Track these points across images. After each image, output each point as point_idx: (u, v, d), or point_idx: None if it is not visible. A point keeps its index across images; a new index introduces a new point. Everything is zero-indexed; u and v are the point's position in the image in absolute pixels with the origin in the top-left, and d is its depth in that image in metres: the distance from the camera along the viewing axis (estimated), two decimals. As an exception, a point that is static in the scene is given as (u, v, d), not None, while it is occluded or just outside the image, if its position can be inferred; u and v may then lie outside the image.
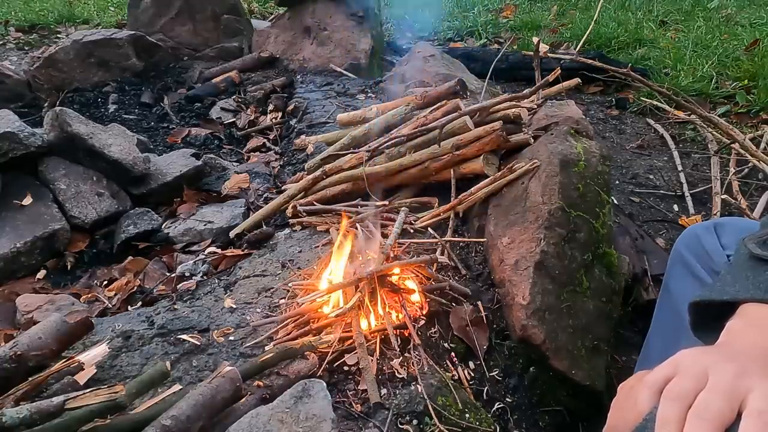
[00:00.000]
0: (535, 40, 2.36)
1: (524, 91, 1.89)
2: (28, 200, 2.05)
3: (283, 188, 2.24)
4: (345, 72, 3.42)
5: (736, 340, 0.62)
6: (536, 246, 1.44)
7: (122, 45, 3.42)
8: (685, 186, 2.50)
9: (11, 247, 1.93)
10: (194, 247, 2.03)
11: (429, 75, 2.78)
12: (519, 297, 1.40)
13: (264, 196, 2.29)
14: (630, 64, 3.22)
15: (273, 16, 5.06)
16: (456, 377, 1.34)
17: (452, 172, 1.79)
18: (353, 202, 1.87)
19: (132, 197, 2.26)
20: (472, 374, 1.38)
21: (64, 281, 1.98)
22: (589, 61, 2.91)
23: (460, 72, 2.91)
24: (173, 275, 1.80)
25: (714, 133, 2.84)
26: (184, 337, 1.34)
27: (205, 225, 2.10)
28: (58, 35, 4.74)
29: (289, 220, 1.94)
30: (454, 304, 1.48)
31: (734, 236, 1.04)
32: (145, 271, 1.93)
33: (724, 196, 2.22)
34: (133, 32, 3.55)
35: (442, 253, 1.61)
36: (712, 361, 0.54)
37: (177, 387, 1.17)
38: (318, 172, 1.99)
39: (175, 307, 1.52)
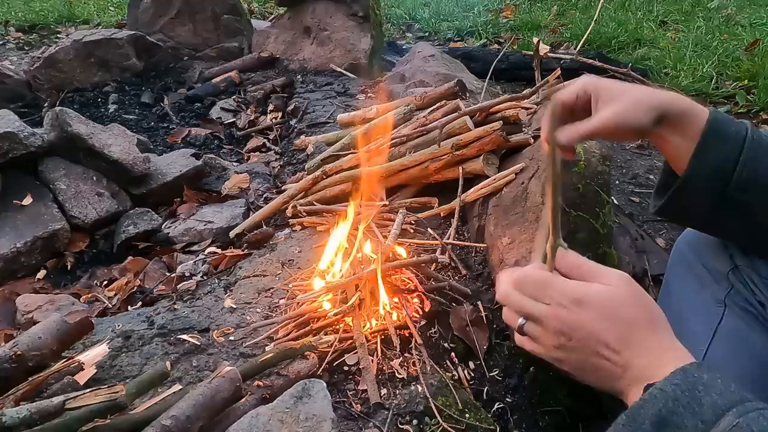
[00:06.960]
0: (535, 40, 2.36)
1: (524, 92, 1.89)
2: (28, 200, 2.05)
3: (283, 188, 2.24)
4: (345, 72, 3.42)
5: None
6: (536, 246, 1.44)
7: (122, 45, 3.42)
8: (685, 186, 2.49)
9: (11, 247, 1.93)
10: (194, 247, 2.03)
11: (429, 75, 2.78)
12: (519, 297, 1.40)
13: (264, 196, 2.29)
14: (630, 64, 3.22)
15: (273, 16, 5.06)
16: (456, 377, 1.34)
17: (461, 170, 1.78)
18: (353, 202, 1.87)
19: (132, 197, 2.26)
20: (472, 374, 1.38)
21: (64, 281, 1.98)
22: (589, 61, 2.91)
23: (460, 72, 2.91)
24: (173, 275, 1.80)
25: (714, 133, 2.83)
26: (184, 337, 1.34)
27: (205, 225, 2.09)
28: (58, 35, 4.74)
29: (289, 220, 1.94)
30: (454, 304, 1.48)
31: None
32: (145, 271, 1.93)
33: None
34: (133, 32, 3.55)
35: (443, 253, 1.61)
36: None
37: (177, 387, 1.17)
38: (318, 172, 1.99)
39: (175, 307, 1.52)
